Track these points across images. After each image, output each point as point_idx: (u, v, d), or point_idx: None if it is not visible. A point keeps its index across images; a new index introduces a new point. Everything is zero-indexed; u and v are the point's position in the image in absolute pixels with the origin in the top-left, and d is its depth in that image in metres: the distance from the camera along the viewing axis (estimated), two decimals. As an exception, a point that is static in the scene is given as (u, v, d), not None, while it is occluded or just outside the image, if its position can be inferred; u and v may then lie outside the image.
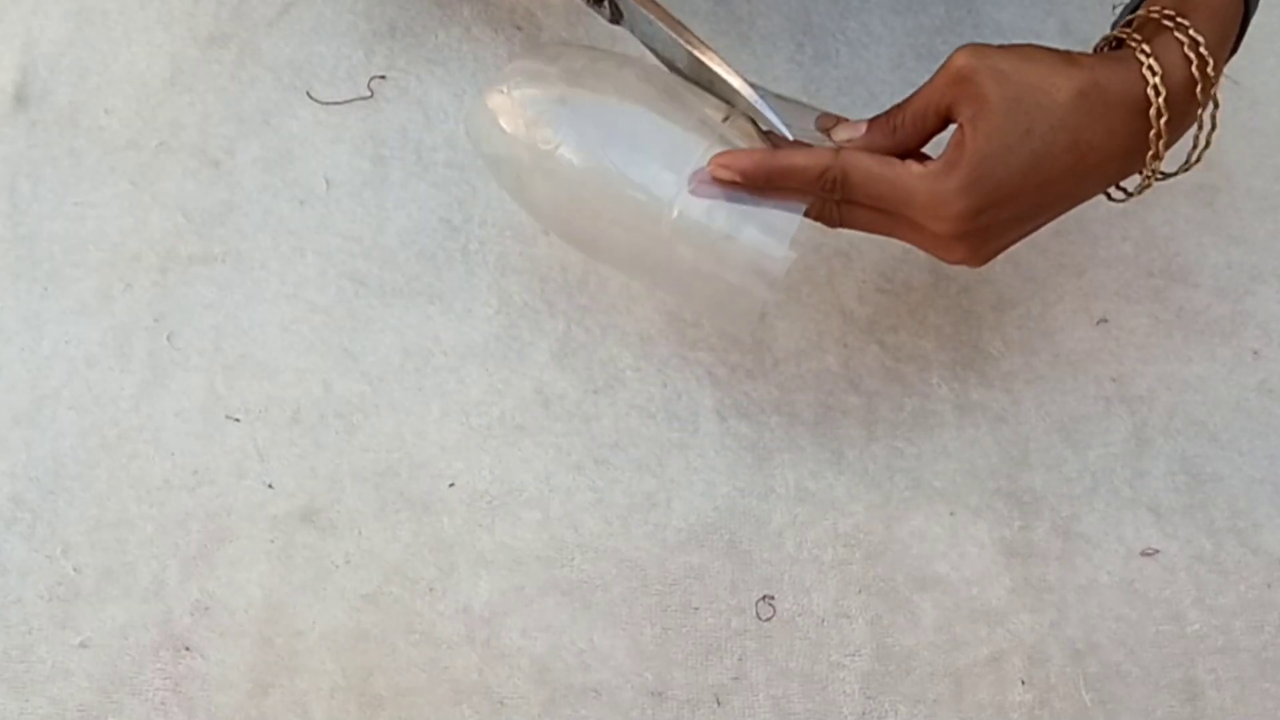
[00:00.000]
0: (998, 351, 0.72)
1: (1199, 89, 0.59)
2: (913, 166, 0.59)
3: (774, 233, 0.60)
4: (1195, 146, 0.62)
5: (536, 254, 0.73)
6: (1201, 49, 0.58)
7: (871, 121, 0.62)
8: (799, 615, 0.66)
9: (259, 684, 0.64)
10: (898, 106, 0.61)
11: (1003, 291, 0.74)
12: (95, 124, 0.76)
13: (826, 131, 0.63)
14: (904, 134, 0.61)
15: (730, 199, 0.60)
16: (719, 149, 0.61)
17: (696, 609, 0.66)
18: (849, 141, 0.62)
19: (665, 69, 0.65)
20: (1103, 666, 0.66)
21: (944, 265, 0.74)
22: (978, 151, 0.58)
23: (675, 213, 0.61)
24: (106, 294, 0.72)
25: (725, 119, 0.62)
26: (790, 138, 0.62)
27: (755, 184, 0.61)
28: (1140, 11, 0.61)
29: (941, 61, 0.60)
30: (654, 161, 0.61)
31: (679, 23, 0.63)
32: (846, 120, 0.63)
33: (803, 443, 0.70)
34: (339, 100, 0.77)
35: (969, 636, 0.66)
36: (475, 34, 0.79)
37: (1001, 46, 0.59)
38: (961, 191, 0.58)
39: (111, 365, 0.70)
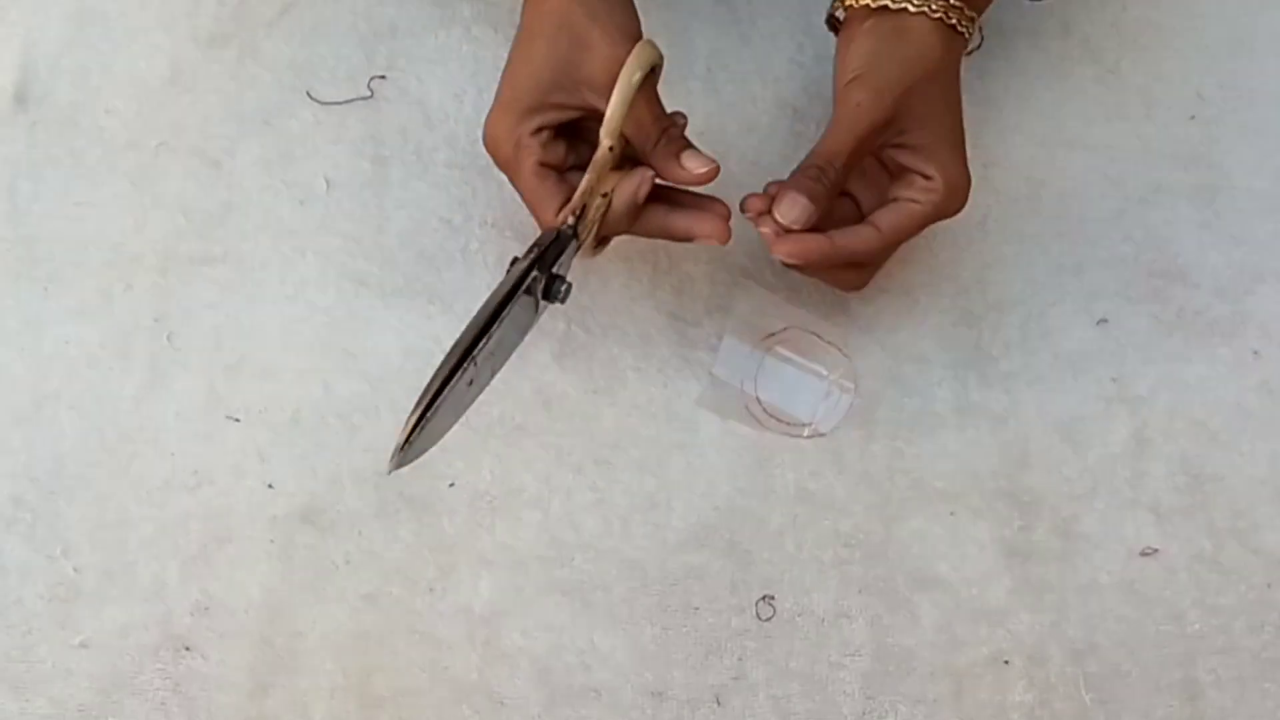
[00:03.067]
0: (998, 352, 0.72)
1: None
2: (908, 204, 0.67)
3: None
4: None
5: (536, 254, 0.73)
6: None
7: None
8: (799, 615, 0.66)
9: (259, 684, 0.64)
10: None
11: (1003, 292, 0.74)
12: (95, 124, 0.76)
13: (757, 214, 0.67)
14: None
15: None
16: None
17: (696, 609, 0.66)
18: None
19: None
20: (1103, 666, 0.66)
21: (944, 266, 0.74)
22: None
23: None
24: (106, 294, 0.71)
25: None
26: None
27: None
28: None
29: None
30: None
31: None
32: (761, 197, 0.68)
33: (803, 443, 0.70)
34: (339, 100, 0.77)
35: (969, 636, 0.66)
36: (475, 34, 0.79)
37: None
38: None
39: (111, 365, 0.70)
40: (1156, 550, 0.68)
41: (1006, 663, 0.66)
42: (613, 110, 0.63)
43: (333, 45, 0.78)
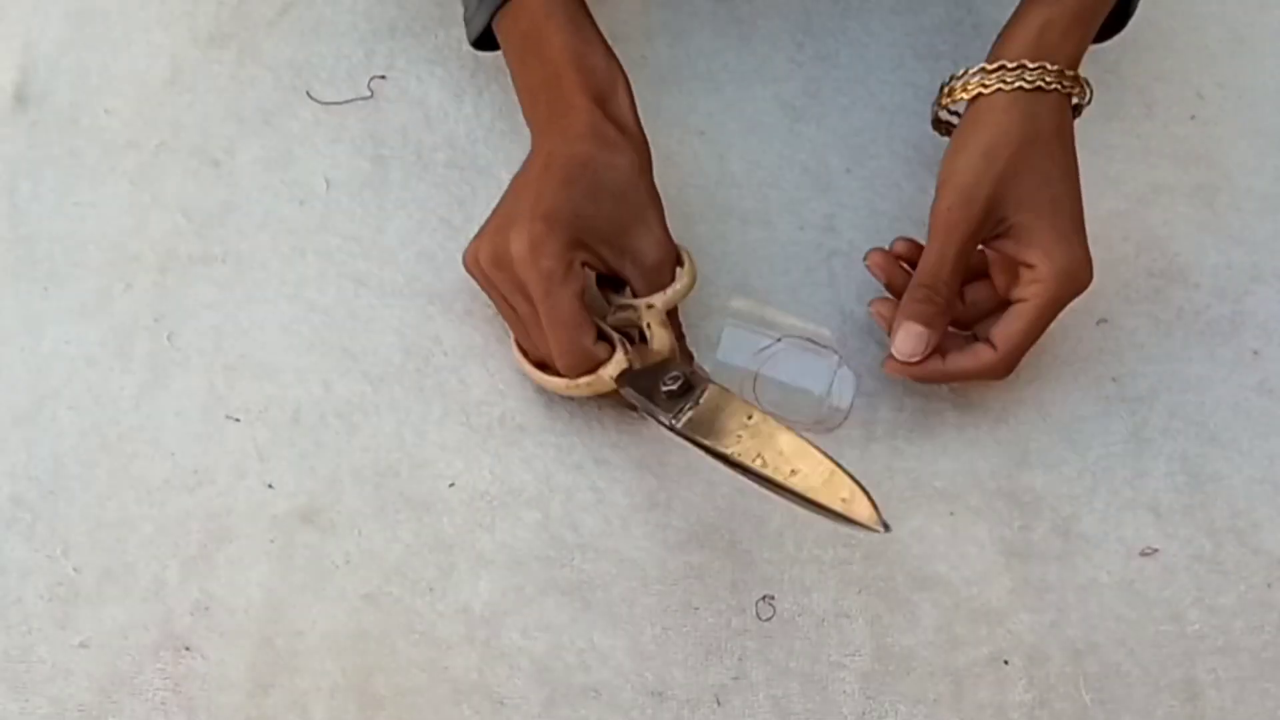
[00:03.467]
0: (998, 351, 0.72)
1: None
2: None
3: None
4: None
5: (536, 254, 0.73)
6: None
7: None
8: (799, 615, 0.66)
9: (259, 684, 0.64)
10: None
11: (1003, 291, 0.74)
12: (95, 124, 0.76)
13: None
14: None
15: None
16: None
17: (696, 609, 0.66)
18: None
19: None
20: (1103, 666, 0.66)
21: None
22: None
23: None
24: (106, 294, 0.72)
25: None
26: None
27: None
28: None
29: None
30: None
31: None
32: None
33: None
34: (339, 100, 0.77)
35: (969, 636, 0.66)
36: (475, 34, 0.79)
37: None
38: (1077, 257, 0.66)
39: (111, 365, 0.70)
40: (1156, 550, 0.68)
41: (1006, 662, 0.66)
42: (674, 296, 0.67)
43: (333, 45, 0.78)
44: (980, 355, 0.67)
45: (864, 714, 0.65)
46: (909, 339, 0.66)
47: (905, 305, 0.67)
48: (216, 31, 0.78)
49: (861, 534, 0.60)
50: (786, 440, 0.61)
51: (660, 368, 0.65)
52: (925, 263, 0.66)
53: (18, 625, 0.64)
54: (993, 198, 0.65)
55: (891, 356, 0.67)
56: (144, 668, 0.64)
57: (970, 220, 0.65)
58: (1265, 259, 0.76)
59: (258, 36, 0.78)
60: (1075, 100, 0.68)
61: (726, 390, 0.64)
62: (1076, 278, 0.66)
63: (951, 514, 0.69)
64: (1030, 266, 0.66)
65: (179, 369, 0.70)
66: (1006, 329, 0.66)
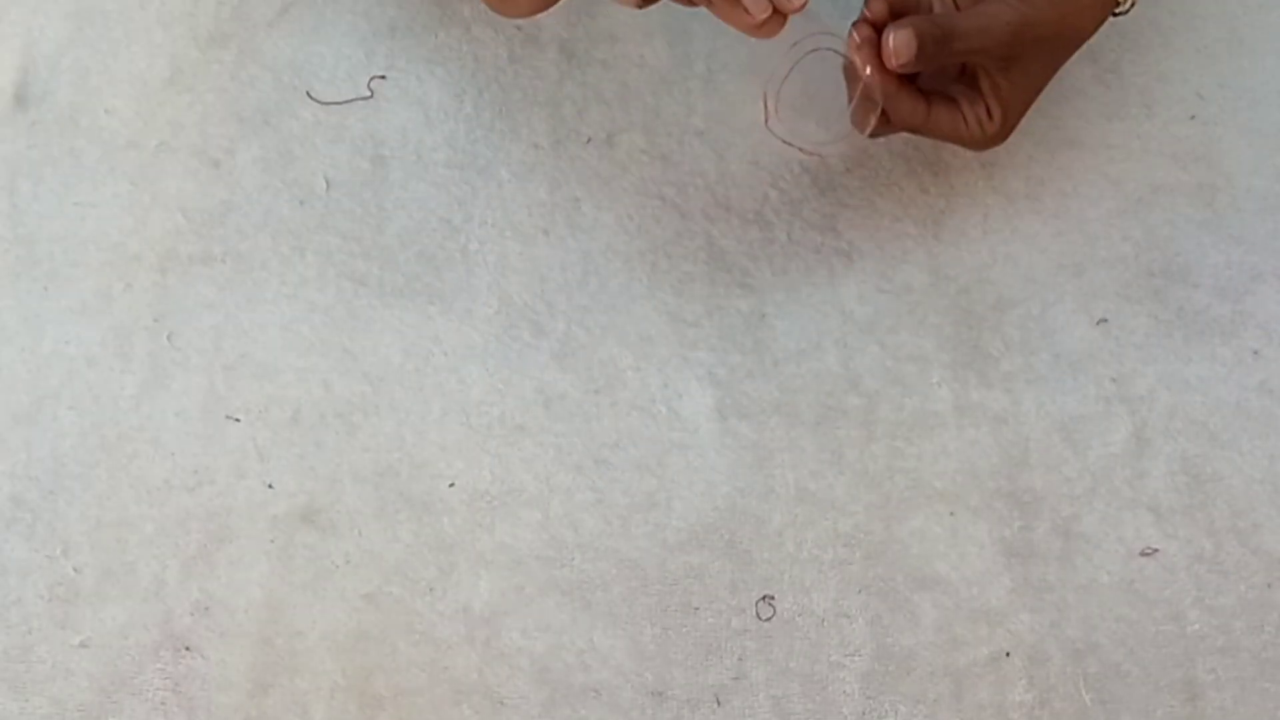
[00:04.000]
0: (998, 352, 0.72)
1: None
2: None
3: None
4: None
5: (536, 254, 0.73)
6: None
7: None
8: (799, 615, 0.66)
9: (259, 684, 0.64)
10: None
11: (1003, 291, 0.74)
12: (95, 124, 0.76)
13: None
14: None
15: None
16: None
17: (696, 609, 0.66)
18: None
19: None
20: (1103, 666, 0.66)
21: (944, 266, 0.74)
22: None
23: None
24: (106, 294, 0.72)
25: None
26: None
27: None
28: None
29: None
30: None
31: None
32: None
33: (803, 443, 0.70)
34: (339, 100, 0.77)
35: (969, 636, 0.66)
36: (475, 34, 0.79)
37: None
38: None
39: (111, 365, 0.70)
40: (1156, 550, 0.68)
41: (1008, 655, 0.66)
42: None
43: (333, 45, 0.78)
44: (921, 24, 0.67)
45: (864, 714, 0.65)
46: (909, 48, 0.65)
47: (908, 19, 0.66)
48: (216, 31, 0.78)
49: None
50: None
51: None
52: (958, 19, 0.66)
53: (18, 625, 0.64)
54: (1011, 43, 0.66)
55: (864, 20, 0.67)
56: (144, 668, 0.64)
57: (1017, 28, 0.66)
58: (1265, 259, 0.76)
59: (258, 36, 0.78)
60: (1117, 11, 0.71)
61: None
62: (992, 146, 0.70)
63: (951, 514, 0.69)
64: (991, 116, 0.68)
65: (179, 369, 0.70)
66: (943, 112, 0.68)
